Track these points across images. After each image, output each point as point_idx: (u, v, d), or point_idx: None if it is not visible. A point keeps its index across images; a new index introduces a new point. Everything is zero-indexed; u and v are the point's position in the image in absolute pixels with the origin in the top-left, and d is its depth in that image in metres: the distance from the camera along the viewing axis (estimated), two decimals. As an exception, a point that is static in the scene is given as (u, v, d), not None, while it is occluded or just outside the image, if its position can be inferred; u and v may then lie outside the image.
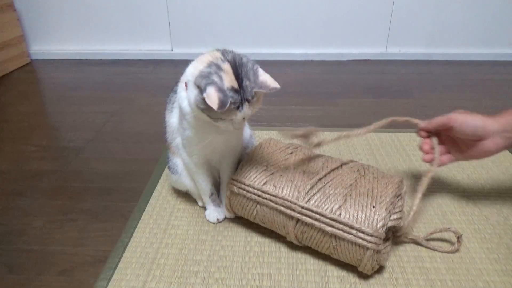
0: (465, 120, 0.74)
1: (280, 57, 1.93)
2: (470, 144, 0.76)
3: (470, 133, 0.74)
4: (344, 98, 1.47)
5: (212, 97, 0.57)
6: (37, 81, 1.80)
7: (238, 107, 0.61)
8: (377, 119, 0.80)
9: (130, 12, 1.90)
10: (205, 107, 0.60)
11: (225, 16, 1.88)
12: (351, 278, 0.67)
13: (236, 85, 0.60)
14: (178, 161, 0.81)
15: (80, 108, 1.43)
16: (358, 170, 0.74)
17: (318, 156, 0.79)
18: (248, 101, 0.61)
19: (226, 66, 0.61)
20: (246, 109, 0.62)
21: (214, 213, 0.81)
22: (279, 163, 0.76)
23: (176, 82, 0.77)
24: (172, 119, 0.78)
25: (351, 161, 0.78)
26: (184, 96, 0.68)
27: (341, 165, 0.76)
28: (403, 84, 1.62)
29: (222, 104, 0.57)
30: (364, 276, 0.67)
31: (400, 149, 1.06)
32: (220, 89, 0.58)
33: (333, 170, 0.74)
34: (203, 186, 0.79)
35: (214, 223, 0.80)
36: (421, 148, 0.81)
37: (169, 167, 0.84)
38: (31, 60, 1.97)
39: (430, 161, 0.78)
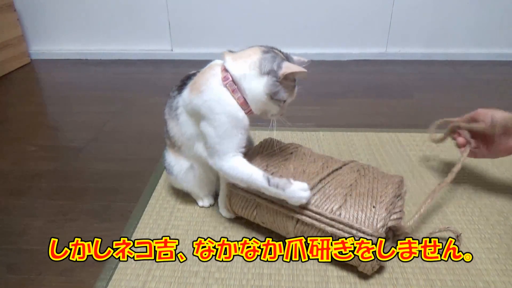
0: (494, 113, 0.78)
1: (280, 57, 1.92)
2: (497, 140, 0.79)
3: (500, 124, 0.77)
4: (344, 98, 1.47)
5: (293, 66, 0.64)
6: (37, 81, 1.80)
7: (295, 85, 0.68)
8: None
9: (130, 12, 1.90)
10: (279, 89, 0.65)
11: (225, 16, 1.88)
12: (351, 278, 0.67)
13: None
14: (173, 162, 0.80)
15: (80, 108, 1.43)
16: (358, 170, 0.74)
17: (318, 156, 0.79)
18: None
19: (277, 51, 0.68)
20: None
21: (301, 192, 0.65)
22: (279, 163, 0.76)
23: (174, 86, 0.76)
24: (183, 128, 0.74)
25: (351, 161, 0.78)
26: (215, 99, 0.67)
27: (342, 166, 0.76)
28: (403, 84, 1.62)
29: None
30: (364, 276, 0.67)
31: (400, 149, 1.06)
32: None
33: (333, 170, 0.74)
34: (256, 175, 0.67)
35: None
36: (458, 144, 0.86)
37: (165, 168, 0.83)
38: (31, 60, 1.97)
39: (463, 145, 0.83)
